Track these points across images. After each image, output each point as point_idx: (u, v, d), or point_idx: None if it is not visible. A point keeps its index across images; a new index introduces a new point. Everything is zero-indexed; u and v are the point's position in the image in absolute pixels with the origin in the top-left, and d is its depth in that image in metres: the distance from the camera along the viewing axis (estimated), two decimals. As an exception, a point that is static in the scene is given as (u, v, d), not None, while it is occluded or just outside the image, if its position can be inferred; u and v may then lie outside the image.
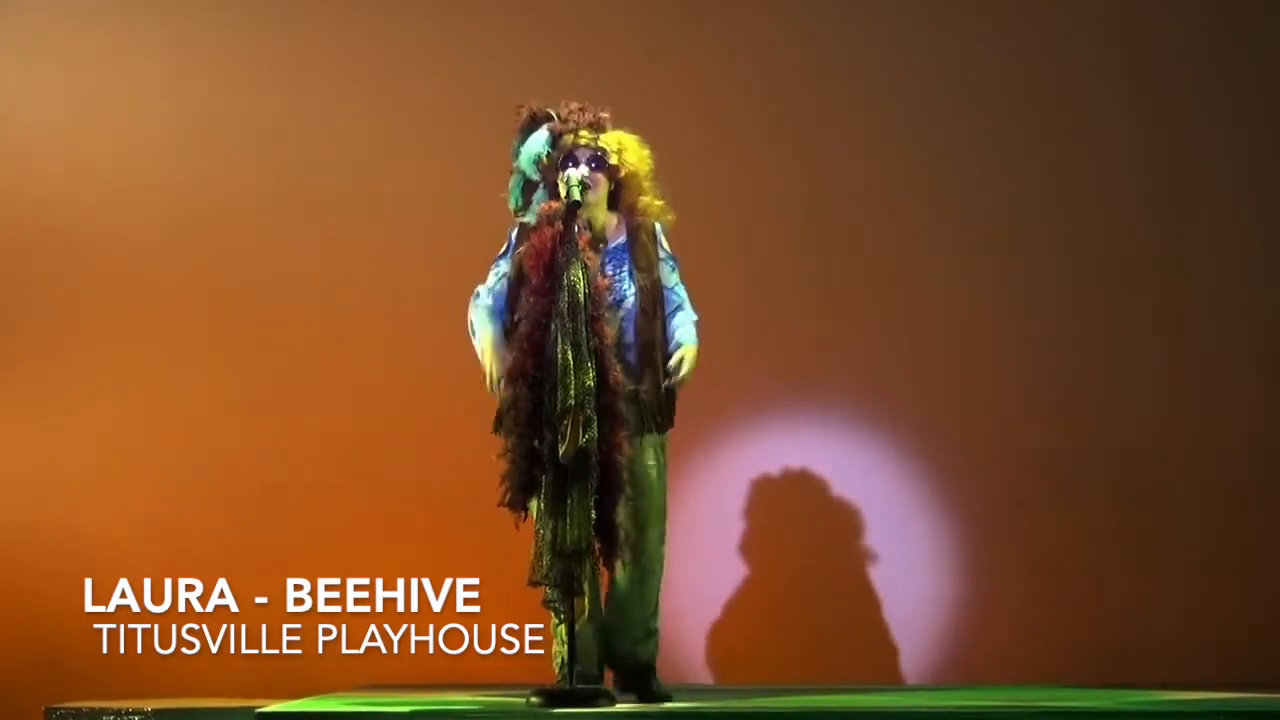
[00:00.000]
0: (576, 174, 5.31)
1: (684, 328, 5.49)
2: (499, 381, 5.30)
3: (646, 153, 5.53)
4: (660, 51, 7.05)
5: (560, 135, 5.45)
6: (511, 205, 5.54)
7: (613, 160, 5.47)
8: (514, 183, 5.53)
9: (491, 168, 5.65)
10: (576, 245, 5.15)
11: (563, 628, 5.28)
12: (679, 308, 5.52)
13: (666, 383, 5.42)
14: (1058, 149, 7.07)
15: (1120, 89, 7.09)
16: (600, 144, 5.47)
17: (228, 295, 6.94)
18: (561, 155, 5.43)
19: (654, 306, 5.43)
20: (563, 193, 5.30)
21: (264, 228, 6.98)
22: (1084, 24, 7.14)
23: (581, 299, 5.09)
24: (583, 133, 5.46)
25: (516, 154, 5.50)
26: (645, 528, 5.44)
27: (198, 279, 6.94)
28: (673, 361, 5.42)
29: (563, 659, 5.30)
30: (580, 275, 5.11)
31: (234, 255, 6.95)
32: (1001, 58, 7.10)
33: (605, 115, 5.53)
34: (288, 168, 7.02)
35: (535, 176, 5.46)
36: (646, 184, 5.54)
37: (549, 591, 5.17)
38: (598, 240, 5.43)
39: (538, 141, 5.46)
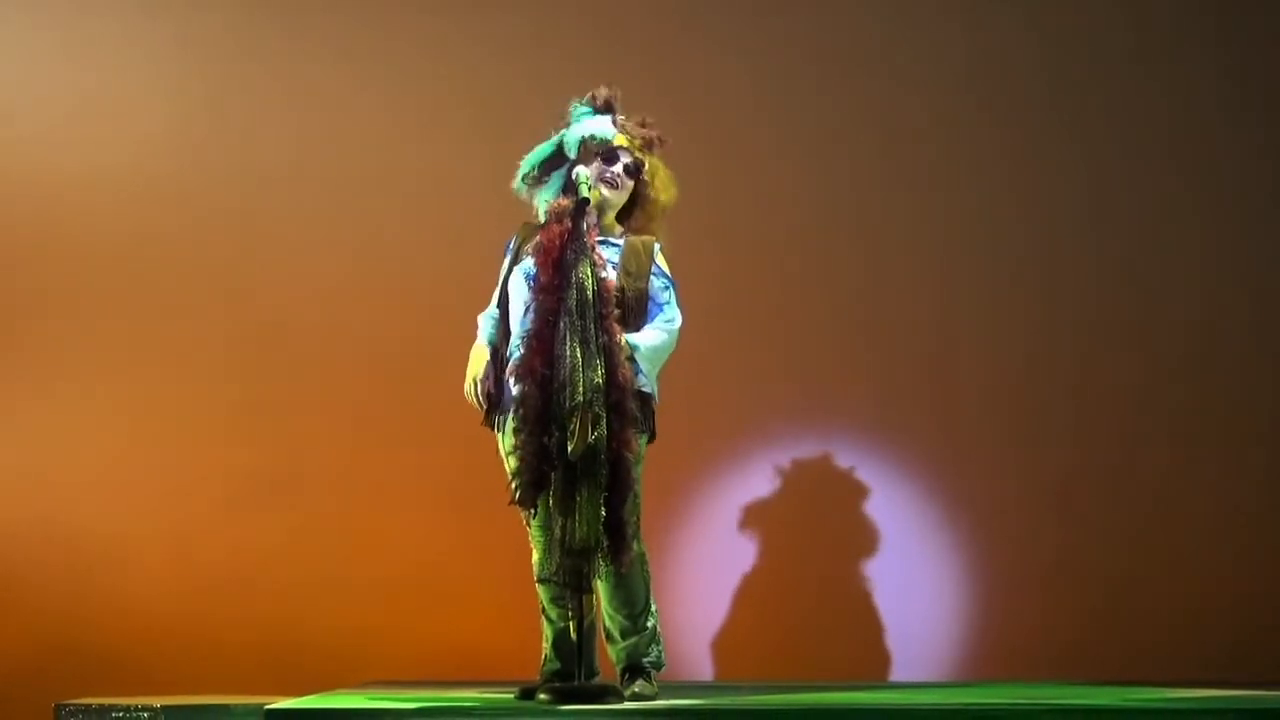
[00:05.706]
0: (586, 172, 5.31)
1: (640, 333, 5.32)
2: (476, 384, 5.35)
3: (674, 191, 5.53)
4: (669, 57, 7.07)
5: (619, 130, 5.46)
6: (524, 169, 5.45)
7: (645, 177, 5.48)
8: (543, 148, 5.47)
9: (505, 169, 5.61)
10: (585, 243, 5.15)
11: (550, 629, 5.36)
12: (655, 318, 5.38)
13: None
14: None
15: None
16: (641, 157, 5.47)
17: (233, 294, 6.96)
18: (605, 147, 5.43)
19: (634, 315, 5.34)
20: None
21: (269, 227, 6.99)
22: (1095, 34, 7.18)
23: (590, 296, 5.08)
24: (636, 140, 5.47)
25: (568, 122, 5.46)
26: None
27: (202, 278, 6.96)
28: None
29: (546, 656, 5.40)
30: (589, 273, 5.10)
31: (239, 255, 6.97)
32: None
33: (665, 141, 5.52)
34: (295, 168, 7.03)
35: (572, 154, 5.42)
36: (659, 216, 5.53)
37: (554, 589, 5.19)
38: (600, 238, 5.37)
39: (598, 124, 5.44)
